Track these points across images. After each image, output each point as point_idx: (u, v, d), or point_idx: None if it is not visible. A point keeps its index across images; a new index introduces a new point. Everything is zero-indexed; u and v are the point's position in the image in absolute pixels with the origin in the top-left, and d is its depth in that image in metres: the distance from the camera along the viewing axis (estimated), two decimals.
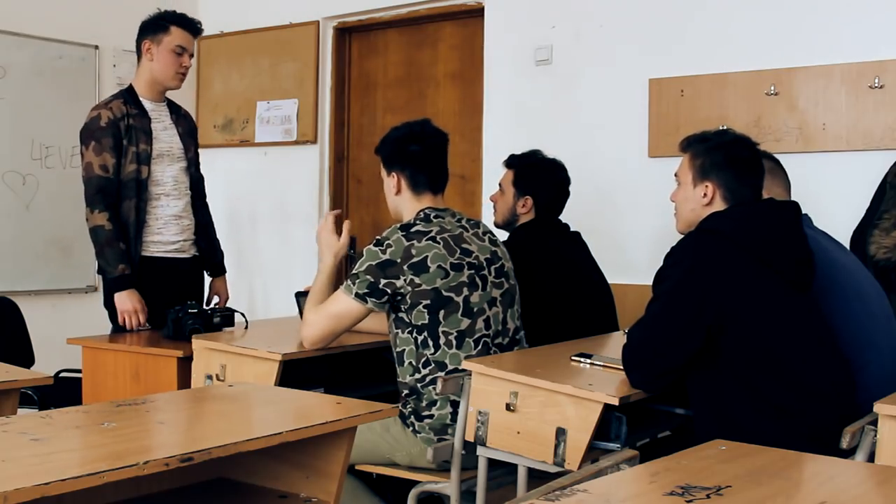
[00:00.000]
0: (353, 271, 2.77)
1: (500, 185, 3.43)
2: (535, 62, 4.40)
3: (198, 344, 3.01)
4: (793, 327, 2.35)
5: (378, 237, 2.78)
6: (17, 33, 4.77)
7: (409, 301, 2.70)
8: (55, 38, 4.92)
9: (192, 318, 3.25)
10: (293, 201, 5.18)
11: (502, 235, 3.35)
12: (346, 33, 5.19)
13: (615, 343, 3.03)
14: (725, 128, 3.82)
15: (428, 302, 2.69)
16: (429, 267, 2.69)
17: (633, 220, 4.11)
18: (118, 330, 3.51)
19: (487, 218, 3.85)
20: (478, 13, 4.64)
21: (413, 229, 2.75)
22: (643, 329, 2.40)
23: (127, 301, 3.42)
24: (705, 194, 2.48)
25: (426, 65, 4.93)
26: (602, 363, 2.57)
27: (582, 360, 2.61)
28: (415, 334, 2.72)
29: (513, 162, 3.42)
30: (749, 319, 2.31)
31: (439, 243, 2.72)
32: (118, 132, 3.45)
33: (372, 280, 2.71)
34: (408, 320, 2.72)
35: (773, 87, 3.78)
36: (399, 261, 2.70)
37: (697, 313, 2.31)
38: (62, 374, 3.74)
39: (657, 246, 4.06)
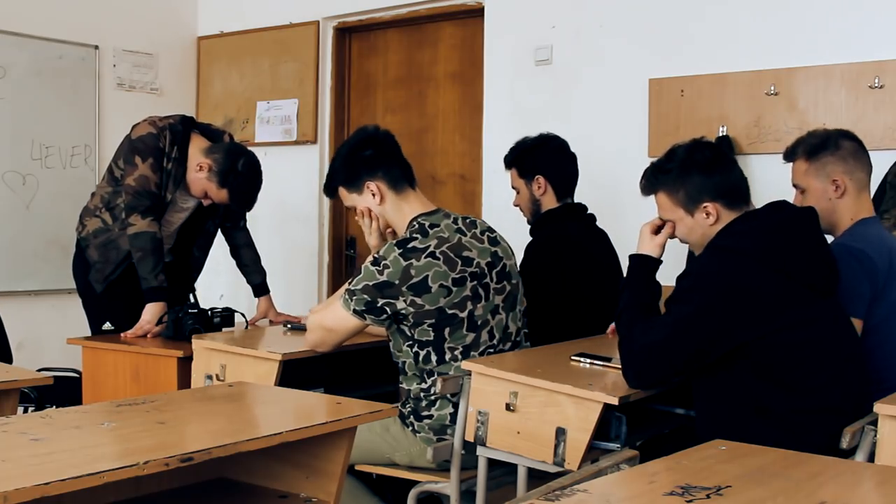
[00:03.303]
0: (351, 287, 2.69)
1: (513, 187, 3.42)
2: (535, 62, 4.40)
3: (198, 344, 3.01)
4: (816, 340, 2.29)
5: (375, 254, 2.69)
6: (17, 33, 4.77)
7: (411, 320, 2.64)
8: (55, 38, 4.92)
9: (192, 318, 3.25)
10: (293, 201, 5.18)
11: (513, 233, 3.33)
12: (346, 33, 5.19)
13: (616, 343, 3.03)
14: (721, 134, 3.84)
15: (433, 321, 2.64)
16: (430, 287, 2.61)
17: (633, 219, 4.08)
18: (99, 334, 3.54)
19: (490, 218, 3.86)
20: (478, 13, 4.64)
21: (410, 245, 2.64)
22: (652, 346, 2.33)
23: (156, 314, 3.35)
24: (708, 214, 2.41)
25: (426, 65, 4.93)
26: (602, 363, 2.57)
27: (582, 359, 2.61)
28: (416, 349, 2.69)
29: (509, 158, 3.40)
30: (773, 338, 2.26)
31: (439, 259, 2.63)
32: (163, 163, 3.45)
33: (369, 299, 2.64)
34: (410, 334, 2.68)
35: (773, 87, 3.78)
36: (397, 282, 2.60)
37: (717, 338, 2.27)
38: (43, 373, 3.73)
39: None
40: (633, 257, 2.57)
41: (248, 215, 3.85)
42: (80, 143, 5.03)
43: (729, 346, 2.27)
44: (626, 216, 4.10)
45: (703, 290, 2.32)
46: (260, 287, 3.81)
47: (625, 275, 3.43)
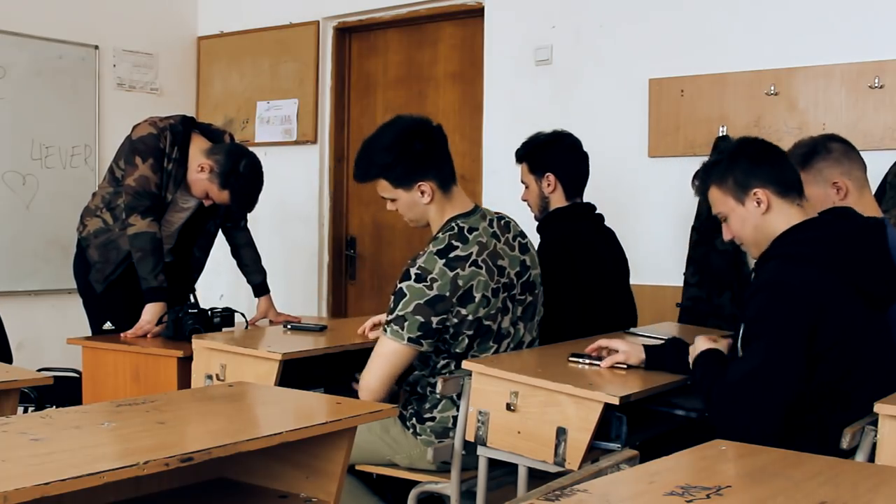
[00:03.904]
0: (398, 312, 2.52)
1: (522, 181, 3.40)
2: (535, 62, 4.40)
3: (198, 344, 3.01)
4: (868, 354, 2.27)
5: (416, 270, 2.53)
6: (17, 33, 4.77)
7: (451, 331, 2.58)
8: (55, 38, 4.92)
9: (192, 318, 3.25)
10: (293, 201, 5.19)
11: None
12: (346, 33, 5.19)
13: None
14: (721, 134, 3.83)
15: (471, 332, 2.58)
16: (474, 297, 2.54)
17: (634, 220, 4.10)
18: (99, 333, 3.55)
19: None
20: (478, 13, 4.64)
21: (452, 255, 2.54)
22: (753, 372, 2.23)
23: (156, 315, 3.35)
24: (759, 202, 2.33)
25: (426, 65, 4.93)
26: (601, 363, 2.57)
27: (580, 360, 2.60)
28: (440, 358, 2.65)
29: (521, 153, 3.35)
30: (835, 350, 2.23)
31: (482, 268, 2.55)
32: (163, 163, 3.45)
33: (423, 320, 2.50)
34: (444, 348, 2.62)
35: (773, 87, 3.78)
36: (448, 294, 2.50)
37: (807, 345, 2.21)
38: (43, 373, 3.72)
39: (657, 246, 4.07)
40: (698, 356, 2.44)
41: (249, 215, 3.85)
42: (80, 143, 5.03)
43: (818, 349, 2.21)
44: (627, 216, 4.11)
45: (779, 301, 2.24)
46: (260, 287, 3.81)
47: (628, 273, 3.42)
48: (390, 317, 2.56)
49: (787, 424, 2.25)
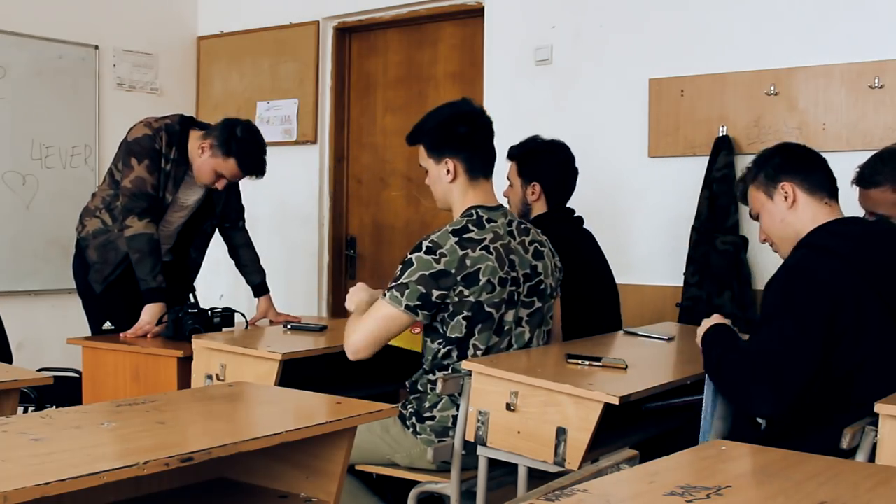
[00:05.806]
0: (402, 280, 2.57)
1: (507, 178, 3.40)
2: (535, 62, 4.40)
3: (198, 344, 3.01)
4: (883, 357, 2.27)
5: (428, 243, 2.60)
6: (17, 33, 4.77)
7: (451, 309, 2.60)
8: (55, 38, 4.92)
9: (192, 318, 3.25)
10: (293, 201, 5.19)
11: None
12: (346, 33, 5.19)
13: (618, 343, 3.03)
14: (721, 134, 3.83)
15: (469, 314, 2.60)
16: (480, 280, 2.57)
17: (633, 220, 4.11)
18: (99, 333, 3.55)
19: None
20: (478, 13, 4.64)
21: (466, 236, 2.60)
22: (773, 347, 2.26)
23: (155, 315, 3.35)
24: (786, 196, 2.39)
25: (426, 65, 4.93)
26: (601, 363, 2.57)
27: (579, 361, 2.59)
28: (439, 344, 2.65)
29: (514, 152, 3.36)
30: (848, 333, 2.24)
31: (492, 254, 2.60)
32: (160, 164, 3.44)
33: (424, 291, 2.55)
34: (442, 331, 2.64)
35: (773, 87, 3.78)
36: (454, 271, 2.55)
37: (826, 330, 2.22)
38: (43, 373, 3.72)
39: (657, 246, 4.07)
40: (706, 334, 2.46)
41: (248, 216, 3.84)
42: (80, 143, 5.03)
43: (838, 330, 2.22)
44: (626, 216, 4.11)
45: (801, 280, 2.28)
46: (259, 287, 3.80)
47: (611, 273, 3.41)
48: (393, 283, 2.61)
49: (798, 418, 2.25)
